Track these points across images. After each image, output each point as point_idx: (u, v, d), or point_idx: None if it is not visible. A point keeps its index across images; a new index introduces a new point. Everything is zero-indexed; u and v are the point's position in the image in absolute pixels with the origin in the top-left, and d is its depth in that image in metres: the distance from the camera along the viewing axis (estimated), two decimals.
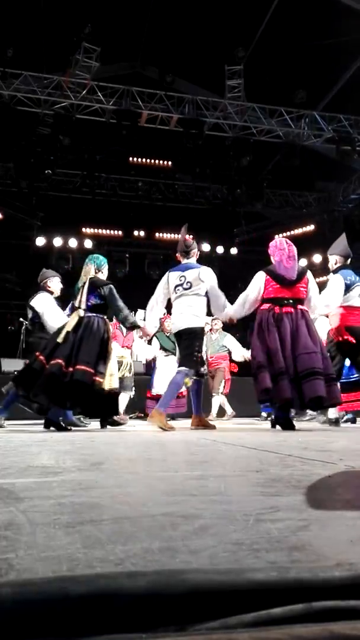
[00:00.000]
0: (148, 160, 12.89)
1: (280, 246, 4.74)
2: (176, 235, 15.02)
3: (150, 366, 8.40)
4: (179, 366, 4.64)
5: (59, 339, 4.33)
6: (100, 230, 14.50)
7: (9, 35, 9.28)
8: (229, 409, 8.45)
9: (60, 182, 13.04)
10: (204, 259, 15.61)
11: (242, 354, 8.23)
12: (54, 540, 0.74)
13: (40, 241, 13.60)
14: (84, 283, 4.62)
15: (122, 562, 0.63)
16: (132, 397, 7.23)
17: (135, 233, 14.78)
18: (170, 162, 12.97)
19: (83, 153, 12.23)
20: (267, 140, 11.21)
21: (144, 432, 4.26)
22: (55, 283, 5.41)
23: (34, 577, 0.57)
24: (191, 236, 5.48)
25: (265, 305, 4.57)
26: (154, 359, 8.08)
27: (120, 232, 14.76)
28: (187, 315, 4.64)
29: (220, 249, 14.82)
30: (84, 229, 14.29)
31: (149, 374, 8.23)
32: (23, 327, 10.23)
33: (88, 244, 13.89)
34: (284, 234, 14.12)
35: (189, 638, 0.36)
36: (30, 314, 5.27)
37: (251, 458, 2.13)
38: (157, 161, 13.02)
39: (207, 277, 4.76)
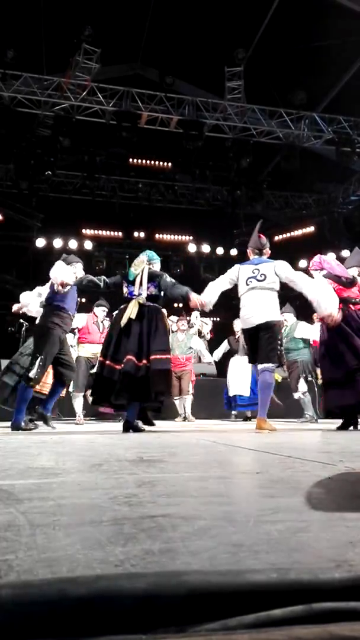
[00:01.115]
0: (148, 162, 12.89)
1: (326, 259, 4.98)
2: (175, 237, 15.06)
3: None
4: (261, 362, 4.41)
5: (122, 322, 4.22)
6: (100, 232, 14.50)
7: (9, 37, 9.29)
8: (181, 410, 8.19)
9: (60, 184, 13.06)
10: (203, 261, 15.51)
11: (209, 360, 8.42)
12: (53, 542, 0.74)
13: (40, 242, 13.59)
14: (142, 271, 4.46)
15: (122, 563, 0.63)
16: None
17: (135, 234, 14.79)
18: (170, 164, 12.98)
19: (83, 154, 12.23)
20: (267, 142, 11.20)
21: (142, 433, 4.25)
22: (78, 269, 5.04)
23: (33, 579, 0.57)
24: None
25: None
26: None
27: (120, 234, 14.76)
28: (266, 309, 4.42)
29: (220, 250, 14.81)
30: (84, 230, 14.28)
31: None
32: (23, 329, 10.22)
33: (88, 245, 13.89)
34: (284, 236, 14.13)
35: (188, 639, 0.36)
36: (45, 293, 4.96)
37: (251, 459, 2.14)
38: (157, 162, 13.03)
39: (283, 269, 4.50)
